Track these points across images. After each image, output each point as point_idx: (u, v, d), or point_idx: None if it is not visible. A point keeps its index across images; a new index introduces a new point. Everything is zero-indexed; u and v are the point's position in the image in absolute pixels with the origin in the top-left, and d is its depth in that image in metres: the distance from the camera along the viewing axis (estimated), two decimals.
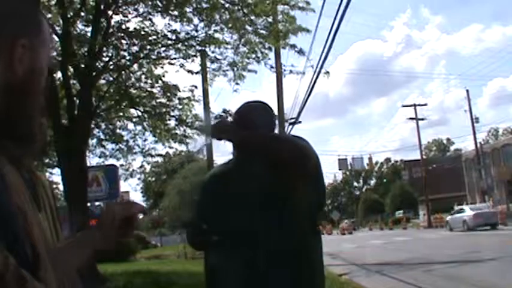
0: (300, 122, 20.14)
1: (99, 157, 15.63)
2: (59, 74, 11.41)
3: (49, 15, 10.96)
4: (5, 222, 0.77)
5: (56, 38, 11.13)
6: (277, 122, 2.28)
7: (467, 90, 43.94)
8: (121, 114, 14.30)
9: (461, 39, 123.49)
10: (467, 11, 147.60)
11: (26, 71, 0.90)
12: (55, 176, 18.82)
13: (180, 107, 13.82)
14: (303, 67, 14.47)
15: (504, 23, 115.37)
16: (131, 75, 13.29)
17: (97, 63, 11.35)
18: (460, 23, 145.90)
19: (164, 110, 13.73)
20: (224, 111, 14.31)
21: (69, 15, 10.95)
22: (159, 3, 11.25)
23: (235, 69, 12.23)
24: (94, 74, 11.29)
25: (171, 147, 15.45)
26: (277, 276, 2.03)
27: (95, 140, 14.97)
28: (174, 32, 11.87)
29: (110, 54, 12.06)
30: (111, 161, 16.03)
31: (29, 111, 0.93)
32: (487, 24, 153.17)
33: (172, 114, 13.75)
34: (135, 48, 12.03)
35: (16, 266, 0.72)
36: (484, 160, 44.86)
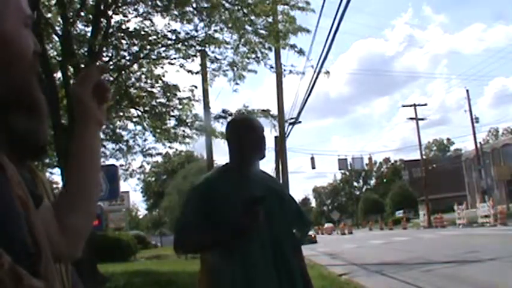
0: (300, 122, 20.19)
1: None
2: (59, 74, 11.42)
3: (49, 15, 10.97)
4: (4, 217, 0.76)
5: (56, 38, 11.15)
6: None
7: (467, 90, 43.99)
8: (121, 114, 14.30)
9: (463, 38, 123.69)
10: (469, 10, 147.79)
11: None
12: (55, 176, 18.83)
13: (180, 107, 13.83)
14: (303, 67, 14.48)
15: (507, 22, 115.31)
16: (131, 75, 13.29)
17: (97, 63, 11.35)
18: (462, 23, 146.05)
19: (164, 110, 13.74)
20: (224, 111, 14.33)
21: (69, 15, 10.95)
22: (159, 3, 11.25)
23: (235, 69, 12.23)
24: None
25: (171, 147, 15.48)
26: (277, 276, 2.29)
27: None
28: (174, 32, 11.88)
29: (110, 54, 12.07)
30: (111, 161, 16.03)
31: (16, 75, 0.89)
32: (490, 24, 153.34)
33: (172, 114, 13.76)
34: (135, 48, 12.04)
35: (11, 263, 0.70)
36: (484, 160, 44.84)
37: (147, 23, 11.83)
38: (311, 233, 36.27)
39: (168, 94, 13.73)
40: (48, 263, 0.84)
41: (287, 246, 2.39)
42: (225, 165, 2.55)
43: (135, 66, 12.87)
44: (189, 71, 12.71)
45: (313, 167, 46.22)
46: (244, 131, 2.47)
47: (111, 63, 12.09)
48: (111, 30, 11.49)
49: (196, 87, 13.95)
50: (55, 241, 1.00)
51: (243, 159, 2.45)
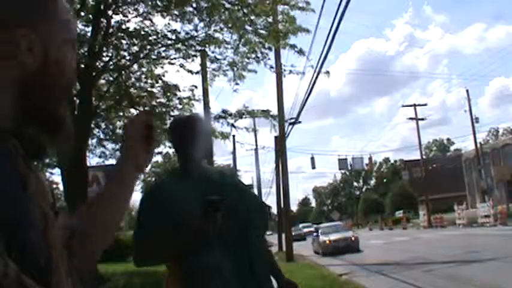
0: (300, 122, 20.18)
1: (99, 157, 15.67)
2: None
3: None
4: (22, 227, 0.77)
5: None
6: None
7: (467, 90, 43.99)
8: (121, 114, 14.30)
9: (463, 38, 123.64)
10: (470, 10, 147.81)
11: (40, 61, 0.88)
12: (55, 176, 18.85)
13: (180, 106, 13.85)
14: (303, 67, 14.48)
15: (507, 22, 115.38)
16: (131, 75, 13.30)
17: (97, 63, 11.34)
18: (463, 22, 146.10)
19: (164, 110, 13.74)
20: (224, 111, 14.33)
21: None
22: (159, 3, 11.24)
23: (235, 69, 12.24)
24: (94, 74, 11.29)
25: (171, 147, 15.48)
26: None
27: (95, 140, 15.00)
28: (174, 32, 11.88)
29: (110, 54, 12.06)
30: (111, 161, 16.04)
31: (53, 98, 0.92)
32: (490, 24, 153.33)
33: (172, 114, 13.75)
34: (135, 48, 12.04)
35: (17, 273, 0.71)
36: (484, 160, 44.84)
37: (147, 23, 11.84)
38: (350, 234, 23.57)
39: (168, 94, 13.74)
40: (60, 274, 0.85)
41: (250, 239, 2.37)
42: (176, 167, 2.53)
43: (135, 66, 12.87)
44: (189, 71, 12.75)
45: (313, 167, 46.25)
46: (178, 131, 2.46)
47: (111, 63, 12.09)
48: (111, 30, 11.48)
49: (196, 87, 13.98)
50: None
51: (186, 159, 2.41)
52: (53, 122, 0.93)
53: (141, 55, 12.09)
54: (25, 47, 0.87)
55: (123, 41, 11.90)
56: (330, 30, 10.30)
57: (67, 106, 0.97)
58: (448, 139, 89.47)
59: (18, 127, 0.87)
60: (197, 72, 13.24)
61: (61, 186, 12.93)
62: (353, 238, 22.49)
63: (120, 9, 11.57)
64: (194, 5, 11.30)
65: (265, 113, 15.22)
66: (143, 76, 13.48)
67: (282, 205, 21.55)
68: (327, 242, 22.52)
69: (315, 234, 26.74)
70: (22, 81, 0.87)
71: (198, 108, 14.46)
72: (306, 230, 53.19)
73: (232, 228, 2.26)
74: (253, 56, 11.86)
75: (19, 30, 0.86)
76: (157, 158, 20.07)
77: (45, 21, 0.91)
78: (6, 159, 0.82)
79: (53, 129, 0.94)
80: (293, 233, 42.82)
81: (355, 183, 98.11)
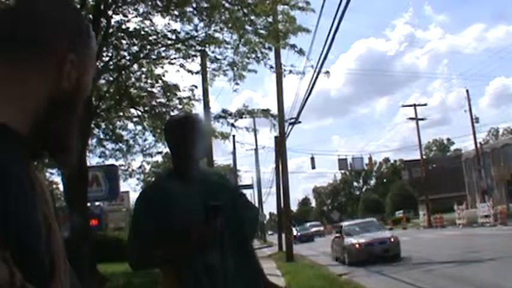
0: (300, 122, 20.20)
1: (99, 157, 15.67)
2: None
3: None
4: (23, 234, 0.78)
5: None
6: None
7: (467, 90, 43.97)
8: (121, 114, 14.30)
9: (464, 38, 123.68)
10: (470, 10, 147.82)
11: (72, 85, 0.92)
12: (55, 176, 18.86)
13: (180, 106, 13.84)
14: (303, 67, 14.48)
15: (507, 22, 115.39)
16: (131, 75, 13.29)
17: (97, 63, 11.33)
18: (463, 22, 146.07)
19: (164, 110, 13.74)
20: (224, 111, 14.33)
21: None
22: (159, 3, 11.24)
23: (235, 69, 12.24)
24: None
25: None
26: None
27: (95, 140, 15.00)
28: (174, 32, 11.88)
29: (110, 54, 12.04)
30: (111, 161, 16.05)
31: (68, 123, 0.95)
32: (490, 24, 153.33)
33: (172, 114, 13.76)
34: (135, 48, 12.03)
35: (22, 281, 0.71)
36: (484, 160, 44.84)
37: (147, 23, 11.82)
38: (388, 234, 17.58)
39: (168, 94, 13.73)
40: (61, 276, 0.86)
41: (248, 241, 2.38)
42: (171, 169, 2.47)
43: (135, 66, 12.86)
44: (189, 71, 12.74)
45: (313, 167, 46.26)
46: (173, 131, 2.41)
47: (111, 63, 12.07)
48: (111, 30, 11.47)
49: (196, 87, 13.99)
50: None
51: (183, 160, 2.35)
52: (62, 148, 0.95)
53: (141, 55, 12.09)
54: (66, 72, 0.91)
55: (123, 41, 11.89)
56: (330, 30, 10.32)
57: (78, 138, 0.98)
58: (448, 139, 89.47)
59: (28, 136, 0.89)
60: (197, 72, 13.25)
61: (61, 186, 12.94)
62: (392, 239, 16.33)
63: (120, 9, 11.56)
64: (194, 5, 11.29)
65: (265, 113, 15.23)
66: (143, 76, 13.47)
67: (282, 205, 21.56)
68: (356, 245, 16.35)
69: (335, 234, 20.69)
70: (50, 100, 0.90)
71: (198, 108, 14.47)
72: (314, 229, 49.60)
73: (231, 230, 2.24)
74: (253, 56, 11.85)
75: (69, 55, 0.91)
76: (157, 158, 20.03)
77: (83, 50, 0.96)
78: (22, 161, 0.84)
79: (59, 155, 0.96)
80: (298, 233, 41.72)
81: (355, 183, 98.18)
